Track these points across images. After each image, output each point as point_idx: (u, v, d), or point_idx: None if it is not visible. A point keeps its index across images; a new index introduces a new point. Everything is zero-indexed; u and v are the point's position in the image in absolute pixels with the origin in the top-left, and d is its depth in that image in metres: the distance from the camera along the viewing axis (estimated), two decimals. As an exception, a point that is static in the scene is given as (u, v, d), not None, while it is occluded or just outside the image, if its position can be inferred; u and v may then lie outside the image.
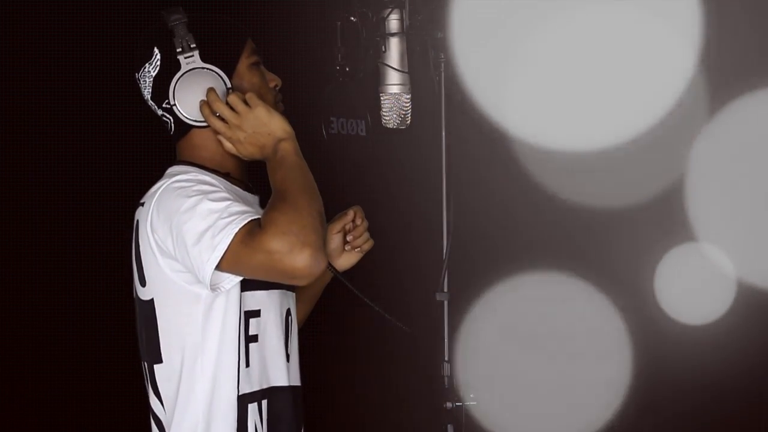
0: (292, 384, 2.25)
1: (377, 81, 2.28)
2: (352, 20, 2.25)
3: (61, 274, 3.75)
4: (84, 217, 3.76)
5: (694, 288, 3.84)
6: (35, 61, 3.72)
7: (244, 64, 2.21)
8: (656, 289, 3.87)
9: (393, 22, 2.26)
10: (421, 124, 2.30)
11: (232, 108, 2.15)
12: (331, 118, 2.28)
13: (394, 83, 2.27)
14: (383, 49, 2.26)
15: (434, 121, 2.26)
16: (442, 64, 2.26)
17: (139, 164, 3.52)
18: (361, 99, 2.28)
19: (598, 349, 3.88)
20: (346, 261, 2.39)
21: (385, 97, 2.27)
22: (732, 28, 3.62)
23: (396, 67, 2.26)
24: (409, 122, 2.30)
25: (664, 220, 3.80)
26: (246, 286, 2.12)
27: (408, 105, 2.28)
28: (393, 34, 2.25)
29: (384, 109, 2.28)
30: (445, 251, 2.25)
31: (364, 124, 2.28)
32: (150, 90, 2.20)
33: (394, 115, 2.28)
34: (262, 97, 2.19)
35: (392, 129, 2.30)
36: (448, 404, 2.22)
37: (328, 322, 3.75)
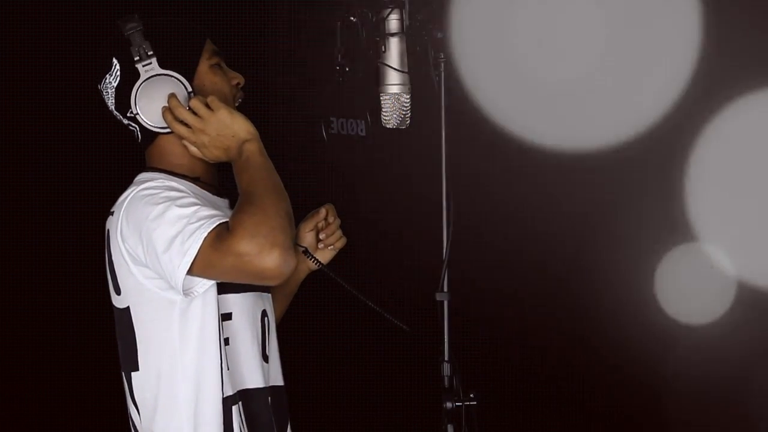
0: (271, 384, 2.25)
1: (377, 81, 2.28)
2: (352, 20, 2.25)
3: (60, 274, 3.74)
4: (84, 217, 3.74)
5: (694, 288, 3.84)
6: (35, 61, 3.71)
7: (204, 66, 2.21)
8: (656, 289, 3.88)
9: (393, 22, 2.26)
10: (421, 124, 2.30)
11: (194, 112, 2.14)
12: (331, 118, 2.28)
13: (394, 83, 2.27)
14: (383, 49, 2.26)
15: (434, 121, 2.26)
16: (442, 64, 2.26)
17: (139, 164, 3.52)
18: (361, 99, 2.27)
19: (598, 349, 3.88)
20: (320, 258, 2.40)
21: (385, 97, 2.27)
22: (732, 27, 3.62)
23: (396, 67, 2.26)
24: (409, 122, 2.29)
25: (664, 220, 3.80)
26: (220, 289, 2.12)
27: (408, 105, 2.28)
28: (393, 34, 2.25)
29: (384, 109, 2.28)
30: (445, 251, 2.25)
31: (364, 124, 2.28)
32: (113, 101, 2.21)
33: (394, 115, 2.28)
34: (223, 97, 2.19)
35: (392, 129, 2.30)
36: (448, 404, 2.21)
37: (328, 323, 3.75)
